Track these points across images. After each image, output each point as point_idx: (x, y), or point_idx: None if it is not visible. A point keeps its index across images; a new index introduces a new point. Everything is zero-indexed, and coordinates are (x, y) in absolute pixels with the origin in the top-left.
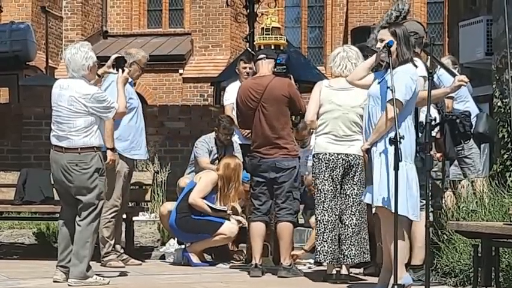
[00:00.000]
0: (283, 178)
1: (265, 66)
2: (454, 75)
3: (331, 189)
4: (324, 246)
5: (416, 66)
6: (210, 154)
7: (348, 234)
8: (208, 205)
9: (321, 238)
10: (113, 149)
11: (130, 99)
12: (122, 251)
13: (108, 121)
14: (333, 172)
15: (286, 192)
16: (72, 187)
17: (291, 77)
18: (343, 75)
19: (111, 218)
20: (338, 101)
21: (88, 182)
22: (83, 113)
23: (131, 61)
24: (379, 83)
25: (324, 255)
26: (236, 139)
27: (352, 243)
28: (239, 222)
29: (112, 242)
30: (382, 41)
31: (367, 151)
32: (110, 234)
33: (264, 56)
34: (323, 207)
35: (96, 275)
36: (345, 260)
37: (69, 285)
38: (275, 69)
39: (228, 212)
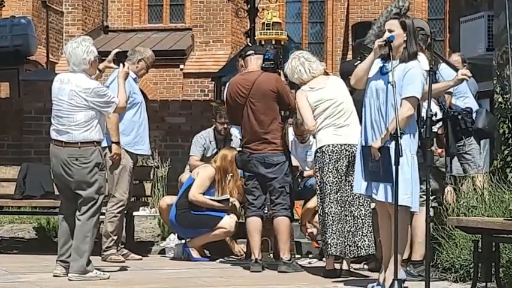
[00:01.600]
0: (274, 174)
1: (254, 62)
2: (456, 69)
3: (336, 181)
4: (334, 238)
5: (419, 61)
6: (206, 150)
7: (358, 225)
8: (209, 198)
9: (330, 231)
10: (118, 143)
11: (134, 94)
12: (123, 245)
13: (113, 115)
14: (337, 164)
15: (279, 187)
16: (72, 182)
17: (280, 72)
18: (315, 75)
19: (117, 213)
20: (327, 96)
21: (88, 176)
22: (83, 107)
23: (139, 58)
24: (382, 74)
25: (334, 247)
26: (237, 134)
27: (364, 234)
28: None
29: (115, 238)
30: (390, 31)
31: (379, 147)
32: (114, 229)
33: (253, 52)
34: (329, 199)
35: (97, 269)
36: (359, 252)
37: (69, 279)
38: (263, 65)
39: (231, 200)
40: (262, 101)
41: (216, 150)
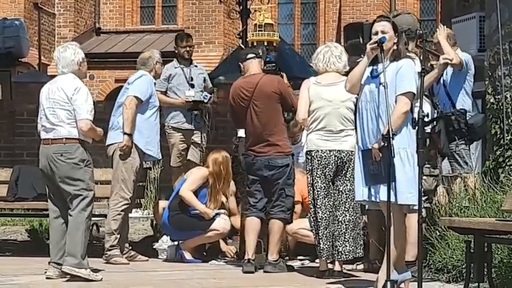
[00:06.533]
0: (277, 176)
1: (255, 65)
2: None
3: (324, 186)
4: (320, 243)
5: (412, 58)
6: (171, 78)
7: (341, 230)
8: (196, 201)
9: (319, 235)
10: (130, 135)
11: (154, 96)
12: (130, 247)
13: (130, 108)
14: (325, 169)
15: (279, 189)
16: (58, 178)
17: (283, 75)
18: (329, 70)
19: (121, 210)
20: (328, 97)
21: (72, 171)
22: (67, 103)
23: (156, 61)
24: (374, 77)
25: (319, 252)
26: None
27: (346, 240)
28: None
29: (118, 236)
30: (383, 32)
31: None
32: (117, 227)
33: (254, 55)
34: (317, 204)
35: (90, 269)
36: (339, 257)
37: (62, 271)
38: (265, 67)
39: (214, 212)
40: (265, 103)
41: (182, 74)
